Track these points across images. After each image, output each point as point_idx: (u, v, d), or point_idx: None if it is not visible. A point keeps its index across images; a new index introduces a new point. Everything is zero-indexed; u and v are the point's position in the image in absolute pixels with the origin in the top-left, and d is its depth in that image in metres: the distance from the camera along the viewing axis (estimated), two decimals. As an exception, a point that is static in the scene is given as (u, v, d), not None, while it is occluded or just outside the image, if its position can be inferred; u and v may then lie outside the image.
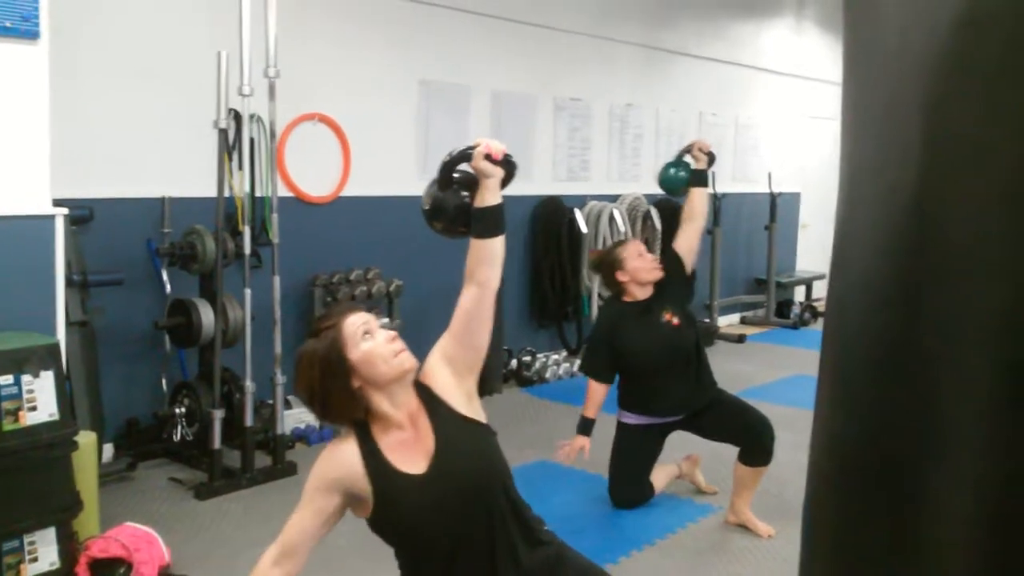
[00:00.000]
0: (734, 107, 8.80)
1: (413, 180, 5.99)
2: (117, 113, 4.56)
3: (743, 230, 8.96)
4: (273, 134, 4.49)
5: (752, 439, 3.86)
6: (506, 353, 6.37)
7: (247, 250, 4.35)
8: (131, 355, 4.71)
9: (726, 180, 8.56)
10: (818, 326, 8.77)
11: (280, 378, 4.44)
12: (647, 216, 7.38)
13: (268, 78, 4.37)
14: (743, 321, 9.06)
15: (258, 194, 4.67)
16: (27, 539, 3.01)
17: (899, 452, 1.13)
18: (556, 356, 6.73)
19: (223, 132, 4.30)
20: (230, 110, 4.36)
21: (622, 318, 3.89)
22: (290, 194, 5.27)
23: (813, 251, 10.08)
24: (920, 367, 1.12)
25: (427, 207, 2.15)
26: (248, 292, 4.34)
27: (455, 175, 2.09)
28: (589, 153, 7.34)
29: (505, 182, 2.08)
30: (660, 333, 3.86)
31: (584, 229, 6.76)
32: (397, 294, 5.62)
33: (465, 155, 2.05)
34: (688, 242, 3.98)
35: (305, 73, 5.23)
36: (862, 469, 1.16)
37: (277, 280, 4.45)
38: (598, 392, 3.90)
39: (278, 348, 4.47)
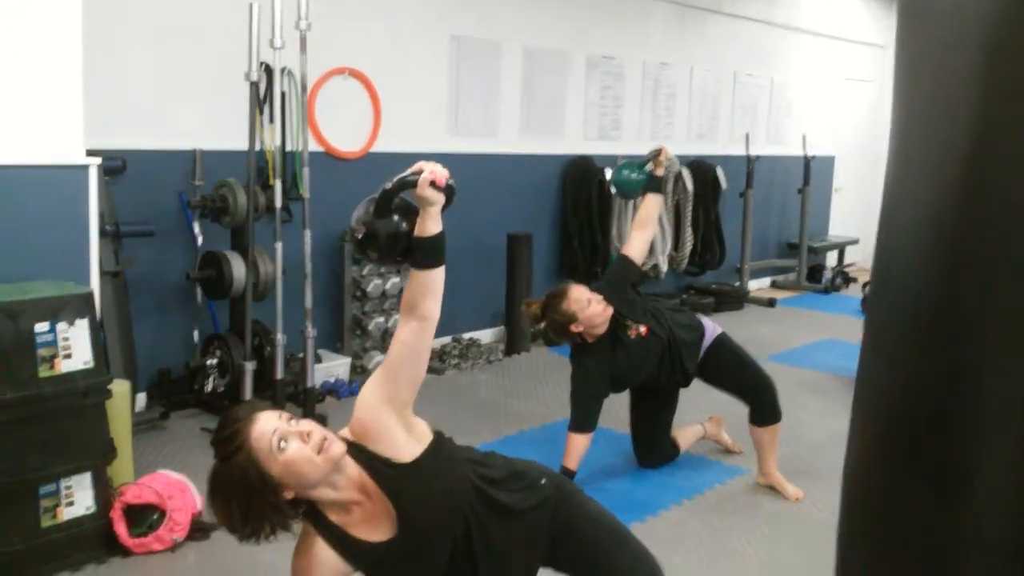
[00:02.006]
0: (769, 68, 8.65)
1: (444, 137, 5.98)
2: (149, 64, 4.55)
3: (776, 193, 8.86)
4: (304, 88, 4.47)
5: (752, 399, 3.87)
6: (534, 312, 6.36)
7: (278, 204, 4.36)
8: (163, 306, 4.75)
9: (760, 142, 8.46)
10: (850, 291, 8.72)
11: (311, 332, 4.47)
12: (679, 177, 7.31)
13: (299, 31, 4.34)
14: (774, 285, 8.99)
15: (289, 148, 4.67)
16: (63, 483, 3.06)
17: (943, 410, 1.11)
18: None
19: (254, 85, 4.29)
20: (261, 63, 4.35)
21: (603, 364, 3.76)
22: (320, 149, 5.26)
23: (846, 215, 9.96)
24: (966, 327, 1.10)
25: (360, 236, 2.00)
26: (279, 246, 4.35)
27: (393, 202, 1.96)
28: (621, 112, 7.26)
29: (444, 207, 1.96)
30: (640, 352, 3.78)
31: (614, 189, 6.69)
32: (426, 251, 5.60)
33: (408, 182, 1.92)
34: (640, 249, 3.91)
35: (336, 27, 5.19)
36: (905, 427, 1.14)
37: (308, 234, 4.45)
38: (582, 445, 3.72)
39: (309, 302, 4.49)
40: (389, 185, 1.93)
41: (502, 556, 2.07)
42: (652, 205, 3.94)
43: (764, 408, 3.85)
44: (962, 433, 1.10)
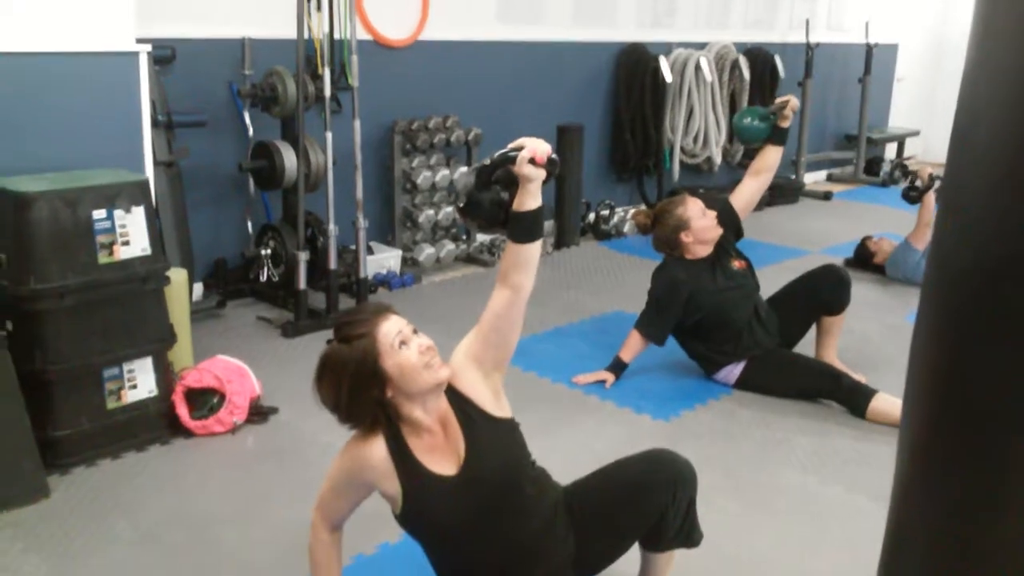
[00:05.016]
0: (833, -51, 8.26)
1: (492, 24, 5.85)
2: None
3: (835, 83, 8.56)
4: (352, -28, 4.37)
5: (833, 287, 3.82)
6: (584, 206, 6.31)
7: (327, 93, 4.32)
8: (216, 197, 4.79)
9: (820, 29, 8.14)
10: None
11: (362, 223, 4.48)
12: (735, 65, 7.09)
13: (346, -88, 4.21)
14: (830, 178, 8.79)
15: (337, 36, 4.59)
16: (126, 367, 3.14)
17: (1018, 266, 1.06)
18: (635, 210, 6.63)
19: (302, -31, 4.20)
20: (308, -54, 4.24)
21: (699, 280, 3.68)
22: (368, 37, 5.17)
23: (908, 106, 9.63)
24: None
25: (462, 204, 2.06)
26: (329, 136, 4.33)
27: (495, 174, 2.00)
28: (676, -3, 7.01)
29: (546, 182, 1.98)
30: (737, 283, 3.72)
31: (668, 78, 6.53)
32: (476, 143, 5.55)
33: (508, 159, 1.95)
34: (749, 198, 3.80)
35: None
36: (977, 300, 1.09)
37: (358, 124, 4.42)
38: (640, 346, 3.75)
39: (359, 193, 4.49)
40: (488, 161, 1.99)
41: (529, 539, 2.09)
42: (772, 157, 3.76)
43: (844, 293, 3.82)
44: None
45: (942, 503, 1.16)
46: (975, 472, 1.11)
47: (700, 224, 3.67)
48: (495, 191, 2.00)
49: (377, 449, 2.00)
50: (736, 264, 3.78)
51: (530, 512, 2.07)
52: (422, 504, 2.02)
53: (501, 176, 1.99)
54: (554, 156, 1.98)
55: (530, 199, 1.96)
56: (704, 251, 3.73)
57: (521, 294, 2.03)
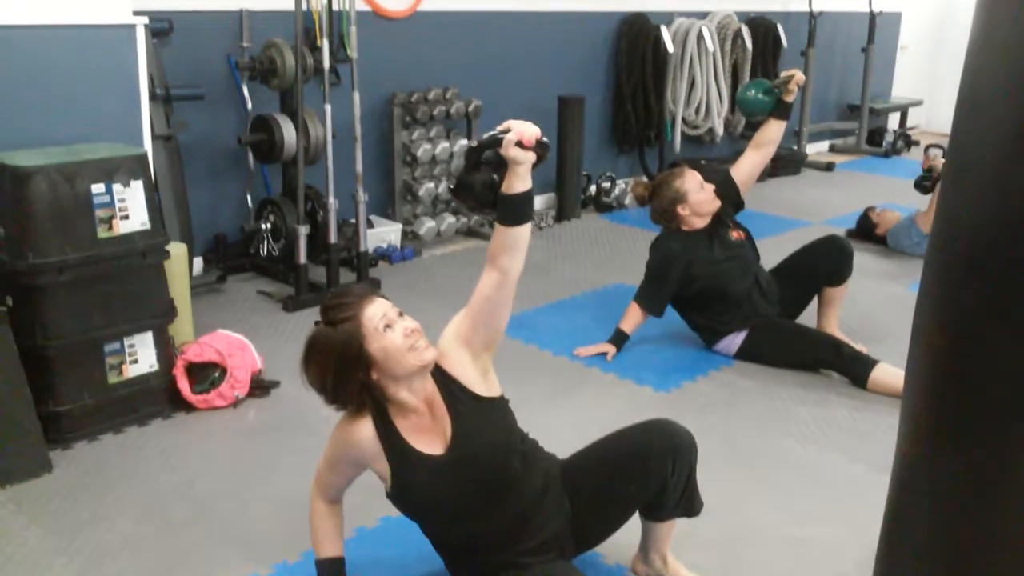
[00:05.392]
0: (837, -85, 8.15)
1: (493, -6, 5.79)
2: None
3: (838, 52, 8.48)
4: (350, -58, 4.32)
5: (838, 258, 3.81)
6: (585, 178, 6.28)
7: (326, 65, 4.28)
8: (216, 171, 4.77)
9: (823, -3, 8.06)
10: (911, 155, 8.44)
11: (362, 196, 4.46)
12: (737, 35, 7.02)
13: None
14: (832, 149, 8.74)
15: (335, 8, 4.55)
16: (127, 342, 3.14)
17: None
18: (635, 182, 6.60)
19: (299, -61, 4.15)
20: (305, -84, 4.19)
21: (695, 252, 3.68)
22: (367, 8, 5.12)
23: (911, 76, 9.55)
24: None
25: (452, 186, 2.08)
26: (328, 108, 4.30)
27: (484, 156, 2.00)
28: (678, -34, 6.93)
29: (536, 165, 1.97)
30: (735, 254, 3.72)
31: (671, 48, 6.47)
32: (476, 115, 5.51)
33: (495, 141, 1.95)
34: (750, 170, 3.78)
35: None
36: (983, 253, 1.08)
37: (357, 96, 4.39)
38: (640, 318, 3.76)
39: (359, 167, 4.46)
40: (475, 143, 2.00)
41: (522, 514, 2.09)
42: (774, 131, 3.75)
43: (846, 264, 3.81)
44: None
45: (944, 483, 1.16)
46: (977, 453, 1.10)
47: (697, 197, 3.66)
48: (486, 173, 2.00)
49: (365, 430, 2.03)
50: (734, 235, 3.78)
51: (520, 487, 2.08)
52: (410, 483, 2.04)
53: (490, 158, 1.99)
54: (544, 139, 1.97)
55: (519, 182, 1.96)
56: (701, 223, 3.72)
57: (510, 276, 2.02)
